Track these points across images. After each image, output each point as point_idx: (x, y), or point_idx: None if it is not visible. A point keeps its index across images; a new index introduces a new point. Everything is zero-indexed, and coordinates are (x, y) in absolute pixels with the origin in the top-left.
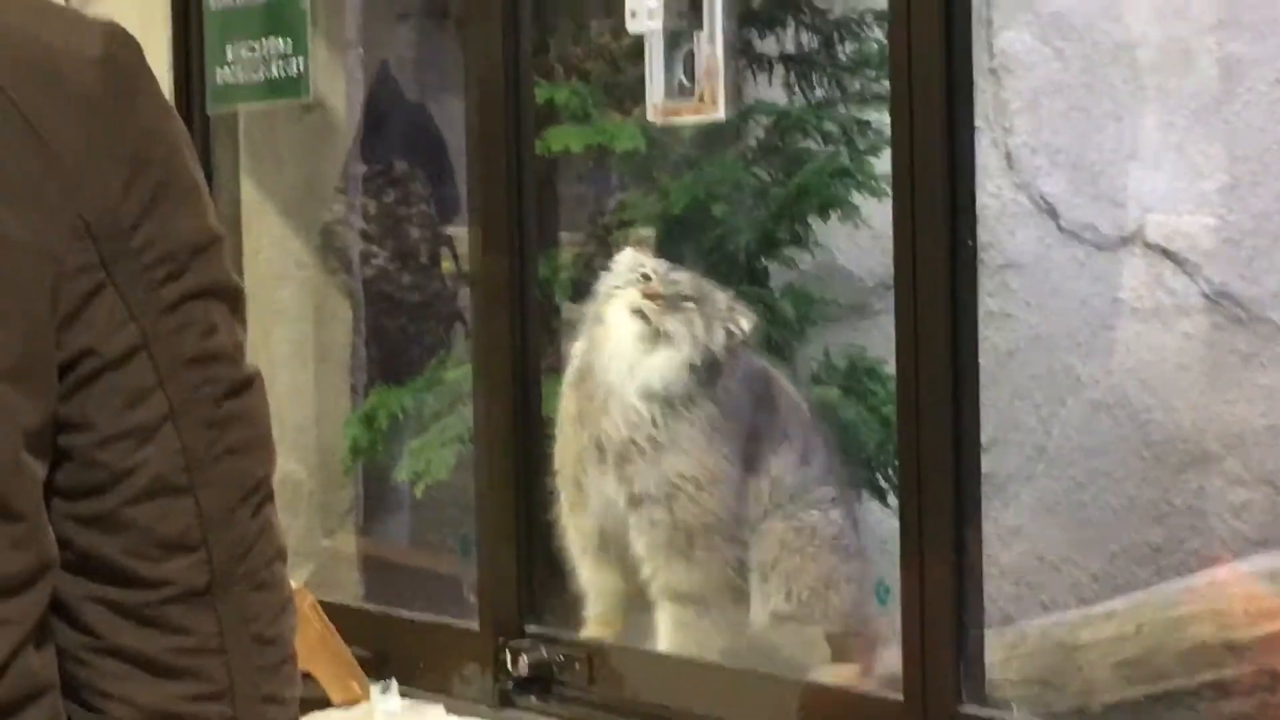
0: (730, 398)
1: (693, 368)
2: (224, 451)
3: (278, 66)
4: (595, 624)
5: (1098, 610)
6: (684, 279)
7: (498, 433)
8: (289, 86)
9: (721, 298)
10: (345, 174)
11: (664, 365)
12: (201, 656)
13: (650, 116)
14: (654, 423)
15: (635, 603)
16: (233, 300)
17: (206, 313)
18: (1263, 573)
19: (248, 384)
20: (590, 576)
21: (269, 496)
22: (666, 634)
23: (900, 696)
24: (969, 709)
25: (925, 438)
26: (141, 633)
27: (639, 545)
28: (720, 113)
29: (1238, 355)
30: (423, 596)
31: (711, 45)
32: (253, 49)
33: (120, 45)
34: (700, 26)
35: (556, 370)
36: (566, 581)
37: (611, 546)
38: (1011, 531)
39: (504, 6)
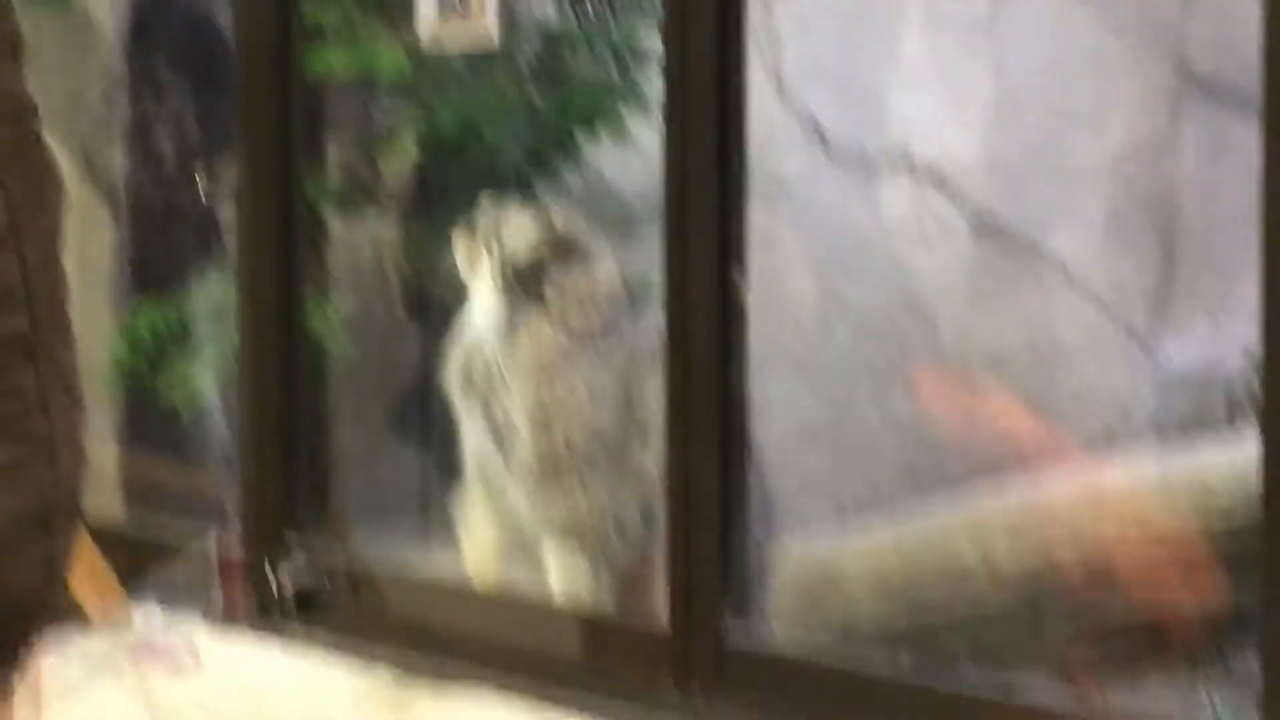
0: None
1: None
2: (37, 207)
3: None
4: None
5: (856, 531)
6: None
7: (264, 351)
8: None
9: None
10: (108, 81)
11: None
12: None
13: (424, 39)
14: None
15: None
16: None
17: (8, 66)
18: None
19: (44, 140)
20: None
21: None
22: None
23: (667, 628)
24: (735, 641)
25: (694, 365)
26: None
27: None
28: (492, 28)
29: (1000, 278)
30: (186, 516)
31: None
32: None
33: None
34: None
35: (322, 288)
36: (332, 503)
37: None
38: (775, 454)
39: None
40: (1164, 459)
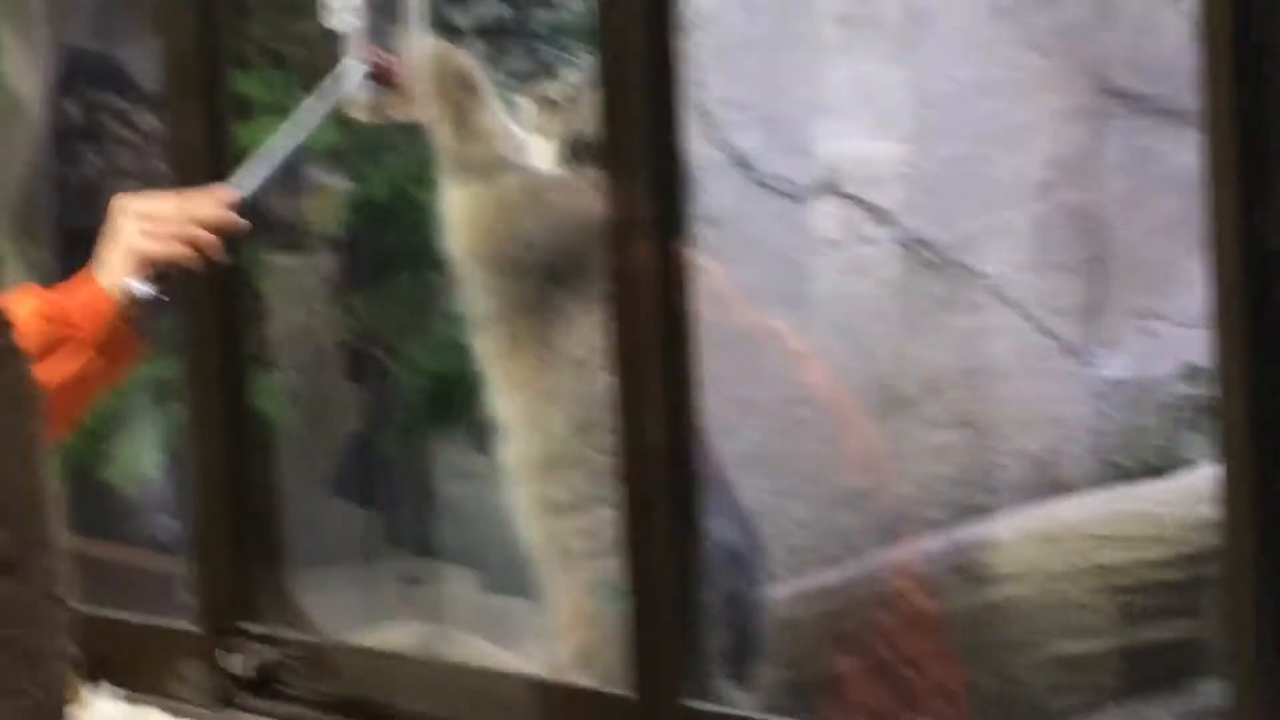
0: None
1: None
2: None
3: None
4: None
5: (811, 584)
6: None
7: (210, 428)
8: None
9: None
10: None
11: None
12: None
13: (356, 114)
14: None
15: None
16: None
17: None
18: (940, 552)
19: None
20: None
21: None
22: None
23: (633, 693)
24: (694, 703)
25: (647, 425)
26: None
27: None
28: (419, 114)
29: (932, 300)
30: (136, 597)
31: (409, 40)
32: None
33: None
34: (396, 20)
35: (261, 360)
36: (284, 577)
37: None
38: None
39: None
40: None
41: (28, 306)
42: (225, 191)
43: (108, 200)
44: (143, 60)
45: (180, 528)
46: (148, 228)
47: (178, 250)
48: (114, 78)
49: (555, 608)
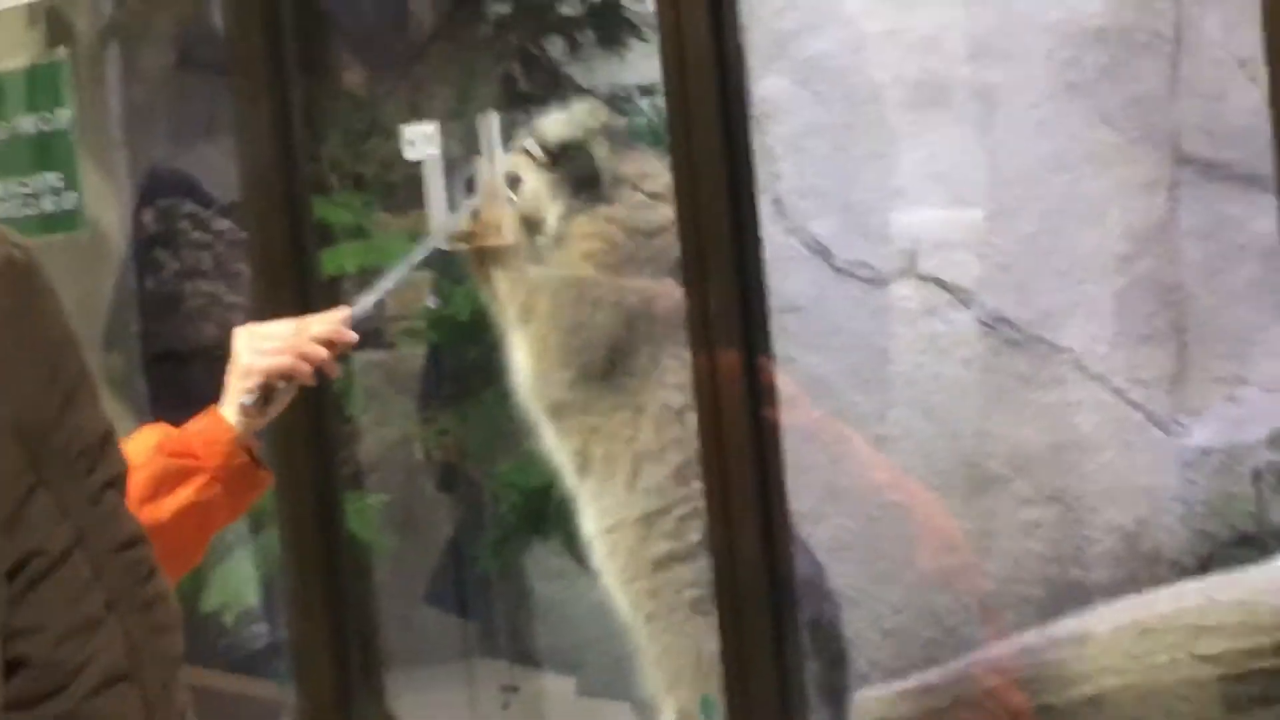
0: None
1: None
2: (153, 631)
3: (50, 201)
4: None
5: (910, 683)
6: None
7: (305, 552)
8: (64, 221)
9: None
10: (118, 292)
11: None
12: None
13: (439, 244)
14: None
15: None
16: (125, 484)
17: (117, 499)
18: (1036, 647)
19: (155, 566)
20: None
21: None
22: None
23: None
24: None
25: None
26: None
27: None
28: (506, 228)
29: (1016, 377)
30: None
31: (491, 168)
32: (24, 184)
33: (17, 250)
34: (478, 150)
35: (353, 481)
36: (383, 692)
37: None
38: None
39: (274, 120)
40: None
41: (150, 441)
42: (337, 311)
43: (188, 306)
44: (215, 174)
45: (280, 652)
46: (260, 345)
47: (288, 364)
48: (189, 189)
49: (658, 668)
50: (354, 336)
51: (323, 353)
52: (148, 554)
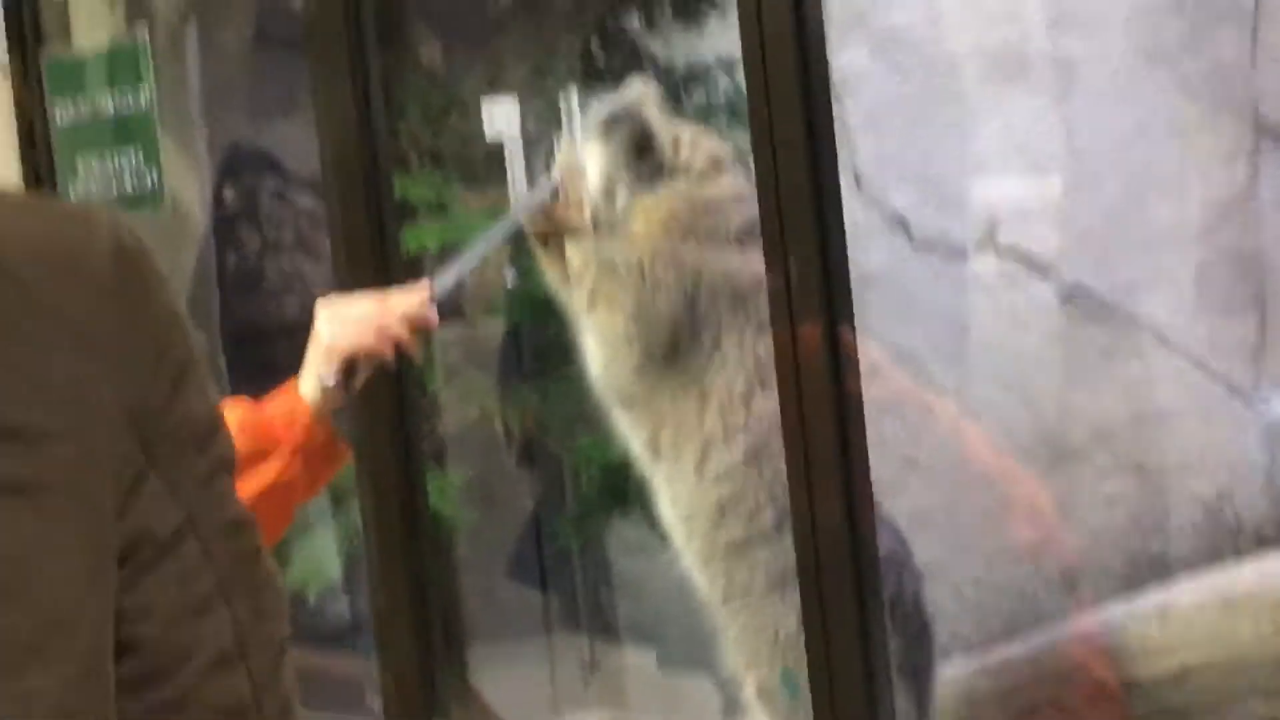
0: None
1: None
2: (260, 615)
3: (131, 180)
4: None
5: (992, 658)
6: None
7: (387, 528)
8: (145, 200)
9: None
10: (200, 269)
11: None
12: None
13: (519, 222)
14: None
15: None
16: (234, 467)
17: (227, 482)
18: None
19: (262, 549)
20: None
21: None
22: None
23: None
24: None
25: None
26: None
27: None
28: (585, 212)
29: (1096, 349)
30: (324, 700)
31: (571, 145)
32: (105, 163)
33: (126, 234)
34: (558, 128)
35: (436, 459)
36: (465, 668)
37: None
38: None
39: (353, 96)
40: None
41: (231, 418)
42: (420, 288)
43: (269, 282)
44: (295, 150)
45: (362, 627)
46: (343, 323)
47: (370, 343)
48: (271, 165)
49: (737, 647)
50: (436, 320)
51: (405, 333)
52: (256, 537)
